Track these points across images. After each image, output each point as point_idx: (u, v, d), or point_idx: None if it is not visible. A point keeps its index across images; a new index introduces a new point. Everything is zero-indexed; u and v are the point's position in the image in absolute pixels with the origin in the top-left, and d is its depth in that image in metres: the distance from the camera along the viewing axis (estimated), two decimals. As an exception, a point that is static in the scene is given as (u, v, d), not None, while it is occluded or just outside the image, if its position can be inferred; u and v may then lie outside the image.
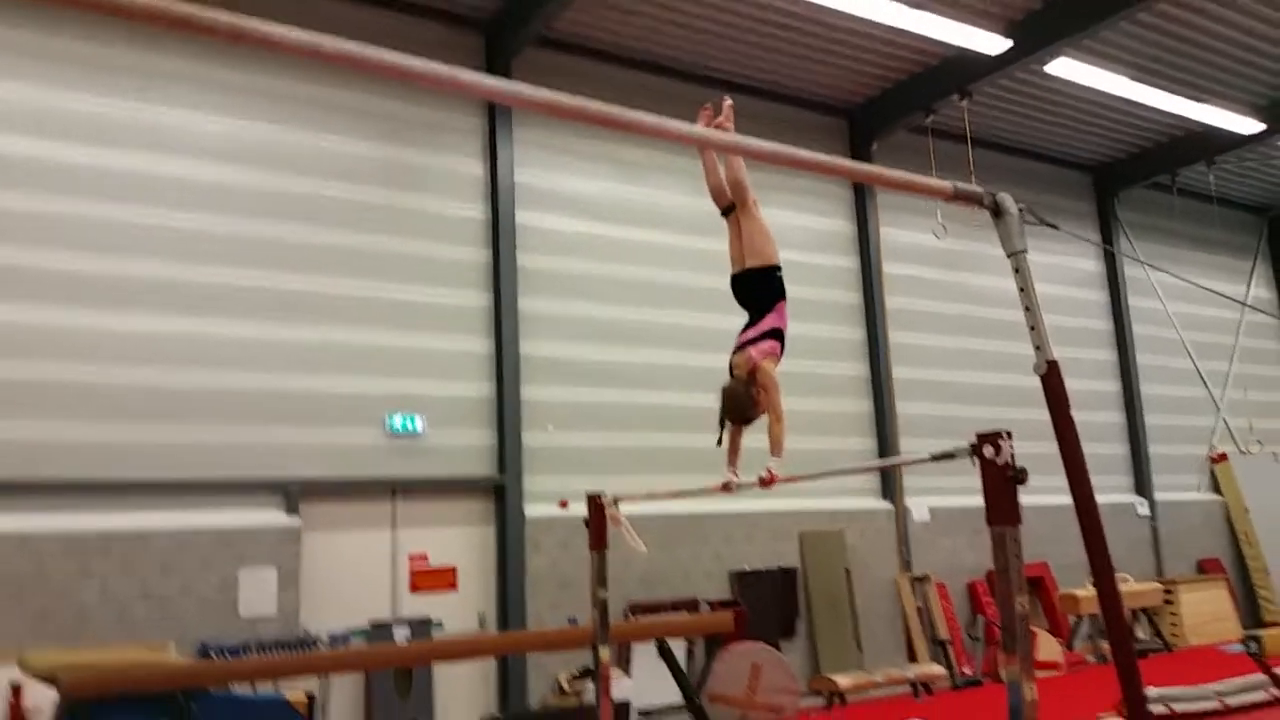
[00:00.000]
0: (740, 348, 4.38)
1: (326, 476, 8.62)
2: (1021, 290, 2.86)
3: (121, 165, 8.18)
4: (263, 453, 8.37)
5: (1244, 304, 14.04)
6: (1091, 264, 14.69)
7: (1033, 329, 2.84)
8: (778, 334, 4.40)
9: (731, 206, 4.58)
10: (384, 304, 9.13)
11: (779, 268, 4.52)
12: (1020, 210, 2.86)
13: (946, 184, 2.95)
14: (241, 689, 7.09)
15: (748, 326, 4.47)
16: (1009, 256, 2.89)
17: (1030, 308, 2.85)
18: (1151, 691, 6.99)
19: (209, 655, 7.61)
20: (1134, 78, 11.59)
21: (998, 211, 2.87)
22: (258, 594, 8.09)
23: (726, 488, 4.26)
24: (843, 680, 9.00)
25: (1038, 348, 2.84)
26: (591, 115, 2.43)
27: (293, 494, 8.40)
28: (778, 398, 4.22)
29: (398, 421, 8.96)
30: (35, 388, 7.62)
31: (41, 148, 7.89)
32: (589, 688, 8.89)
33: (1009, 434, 2.55)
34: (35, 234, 7.76)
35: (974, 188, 2.96)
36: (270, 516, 8.31)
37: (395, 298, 9.19)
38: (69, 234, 7.89)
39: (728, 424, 4.36)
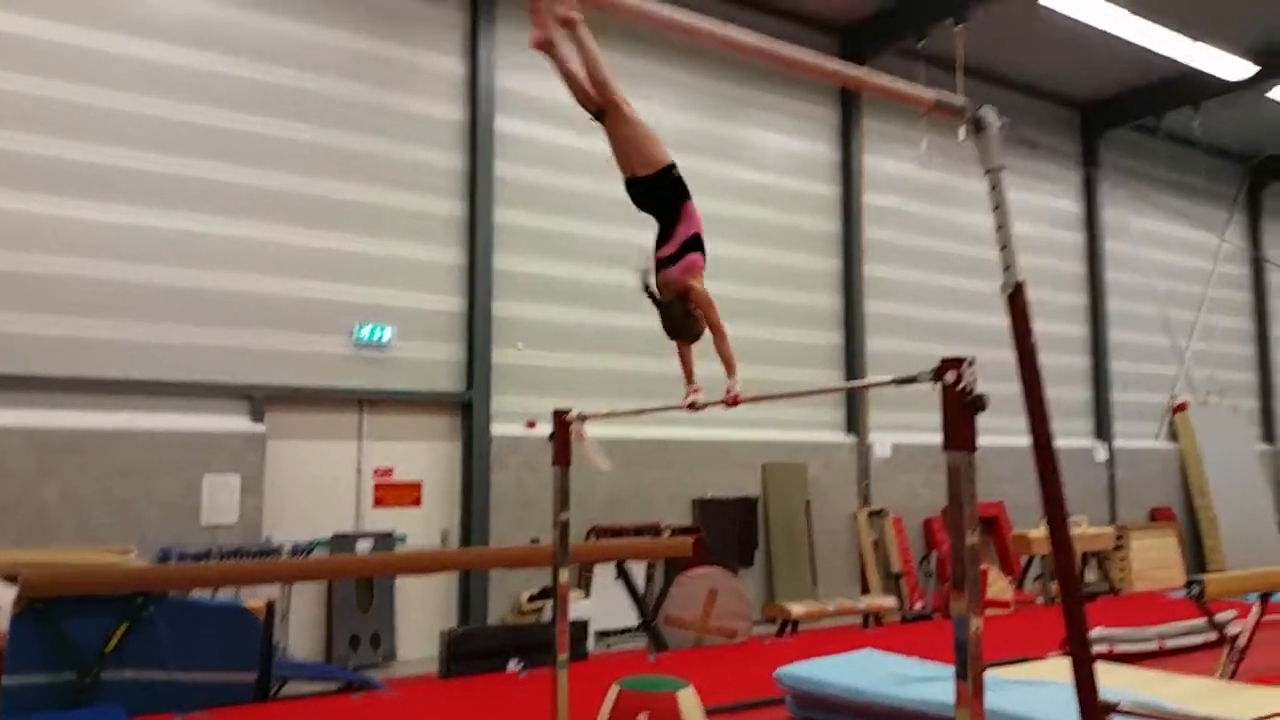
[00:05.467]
0: (660, 267, 4.10)
1: (292, 384, 8.54)
2: (996, 208, 2.82)
3: (84, 43, 7.86)
4: (228, 357, 8.27)
5: (1222, 239, 14.05)
6: (1070, 205, 14.65)
7: (1004, 248, 2.81)
8: (696, 242, 4.11)
9: (602, 110, 4.07)
10: (354, 207, 8.95)
11: (672, 166, 4.11)
12: (1001, 125, 2.81)
13: (929, 93, 2.89)
14: (202, 595, 7.12)
15: (660, 239, 4.16)
16: (986, 173, 2.84)
17: (1003, 226, 2.81)
18: (1096, 632, 7.16)
19: (169, 560, 7.61)
20: (1132, 11, 11.39)
21: (979, 126, 2.81)
22: (220, 501, 8.08)
23: (692, 406, 4.19)
24: (796, 608, 9.16)
25: (1007, 267, 2.82)
26: None
27: (258, 400, 8.33)
28: (716, 315, 4.01)
29: (366, 332, 8.87)
30: (-3, 279, 7.47)
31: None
32: (548, 607, 9.00)
33: (971, 360, 2.53)
34: (-6, 117, 7.51)
35: (956, 98, 2.89)
36: (235, 422, 8.25)
37: (366, 201, 9.00)
38: (30, 115, 7.63)
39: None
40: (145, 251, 8.00)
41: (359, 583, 8.62)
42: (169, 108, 8.18)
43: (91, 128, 7.85)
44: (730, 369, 4.01)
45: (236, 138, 8.45)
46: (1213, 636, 6.93)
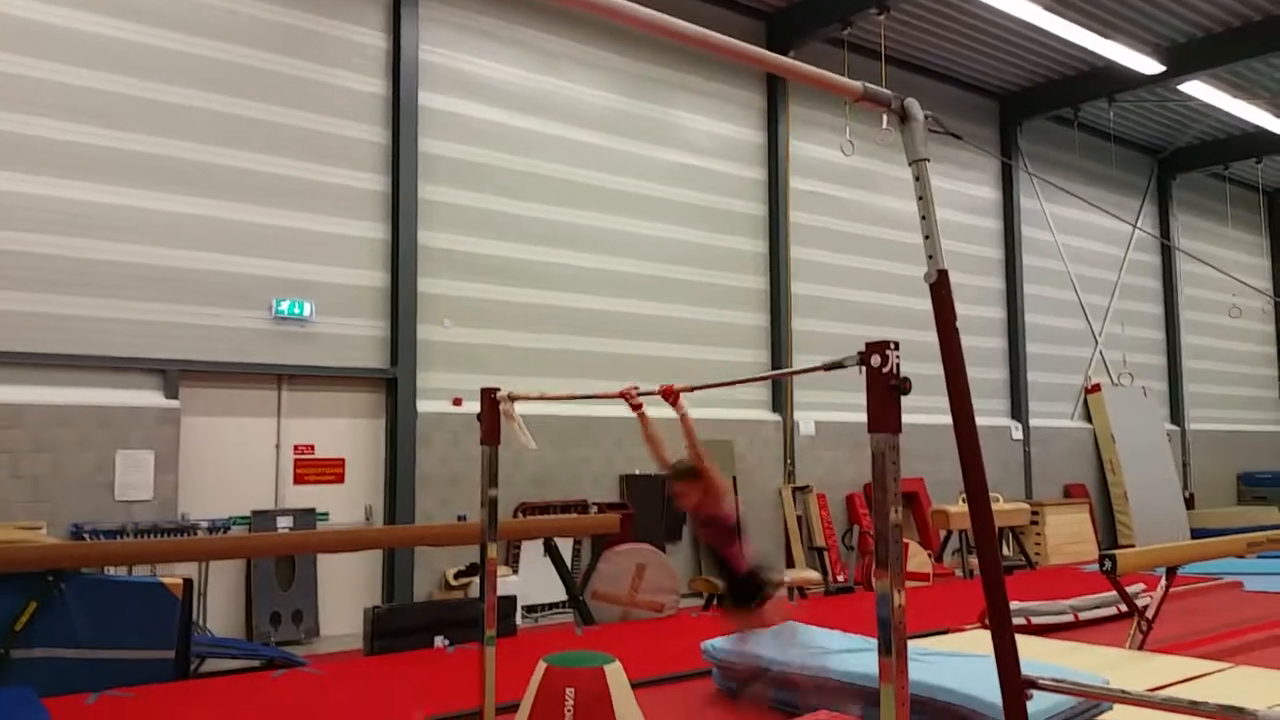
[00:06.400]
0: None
1: (208, 359, 8.35)
2: (920, 198, 2.88)
3: (-8, 11, 7.55)
4: (141, 330, 8.06)
5: (1135, 226, 14.51)
6: (989, 192, 14.99)
7: (927, 238, 2.87)
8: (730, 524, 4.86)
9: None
10: (274, 180, 8.75)
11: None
12: (926, 118, 2.86)
13: (856, 84, 2.93)
14: (118, 573, 6.94)
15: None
16: (911, 164, 2.90)
17: (926, 216, 2.87)
18: (1013, 605, 7.38)
19: (82, 538, 7.41)
20: (1048, 6, 11.69)
21: (904, 117, 2.87)
22: (134, 477, 7.88)
23: (625, 395, 4.25)
24: (721, 582, 9.26)
25: (930, 256, 2.87)
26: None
27: (172, 375, 8.13)
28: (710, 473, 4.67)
29: (285, 306, 8.70)
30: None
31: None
32: (474, 583, 8.97)
33: (896, 345, 2.58)
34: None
35: (882, 90, 2.94)
36: (149, 397, 8.04)
37: (286, 174, 8.82)
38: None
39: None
40: (56, 222, 7.72)
41: (279, 560, 8.49)
42: (82, 75, 7.89)
43: (-2, 92, 7.55)
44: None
45: (152, 108, 8.20)
46: (1123, 608, 7.21)
